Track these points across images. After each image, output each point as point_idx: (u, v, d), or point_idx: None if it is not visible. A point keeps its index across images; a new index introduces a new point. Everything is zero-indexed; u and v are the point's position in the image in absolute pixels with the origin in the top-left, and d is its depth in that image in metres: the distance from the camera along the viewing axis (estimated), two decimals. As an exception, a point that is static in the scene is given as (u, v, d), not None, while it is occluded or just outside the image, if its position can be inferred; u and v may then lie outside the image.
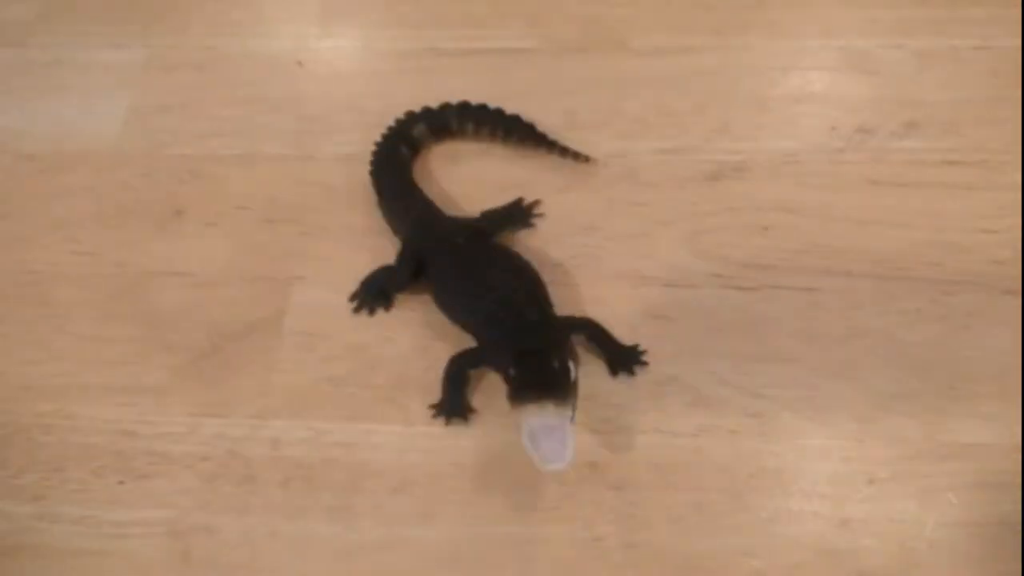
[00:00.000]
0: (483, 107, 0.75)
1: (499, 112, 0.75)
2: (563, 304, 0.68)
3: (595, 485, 0.62)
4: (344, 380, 0.67)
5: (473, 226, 0.70)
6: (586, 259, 0.71)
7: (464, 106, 0.76)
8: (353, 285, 0.70)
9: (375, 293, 0.70)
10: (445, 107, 0.76)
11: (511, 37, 0.83)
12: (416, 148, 0.76)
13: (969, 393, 0.63)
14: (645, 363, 0.65)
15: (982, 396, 0.63)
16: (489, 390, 0.66)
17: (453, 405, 0.64)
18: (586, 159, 0.74)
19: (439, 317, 0.68)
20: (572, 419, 0.55)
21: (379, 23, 0.86)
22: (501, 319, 0.62)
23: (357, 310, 0.69)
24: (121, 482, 0.64)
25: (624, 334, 0.67)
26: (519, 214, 0.72)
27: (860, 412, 0.63)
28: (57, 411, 0.67)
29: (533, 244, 0.72)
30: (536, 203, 0.73)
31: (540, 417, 0.53)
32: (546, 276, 0.69)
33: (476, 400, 0.65)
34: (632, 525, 0.60)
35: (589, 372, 0.65)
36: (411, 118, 0.76)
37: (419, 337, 0.68)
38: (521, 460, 0.63)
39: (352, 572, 0.61)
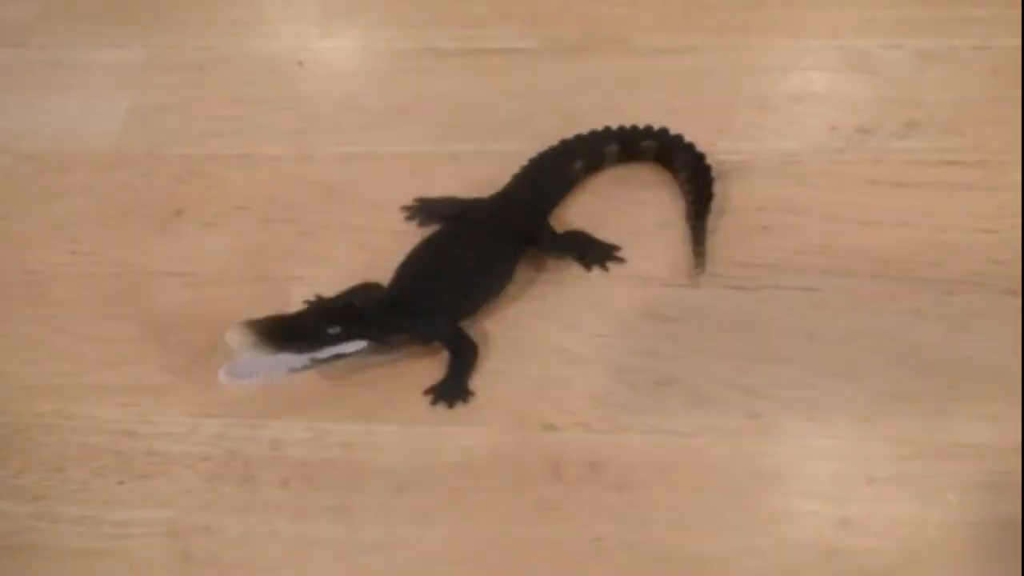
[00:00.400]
0: (702, 163, 0.72)
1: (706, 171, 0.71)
2: (561, 304, 0.68)
3: (595, 485, 0.62)
4: (344, 380, 0.67)
5: (531, 227, 0.70)
6: (586, 259, 0.71)
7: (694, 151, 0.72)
8: (352, 285, 0.70)
9: (425, 211, 0.73)
10: (679, 140, 0.73)
11: (511, 37, 0.83)
12: (632, 157, 0.75)
13: (969, 393, 0.63)
14: (450, 406, 0.65)
15: (982, 396, 0.63)
16: (492, 390, 0.66)
17: (331, 304, 0.66)
18: (699, 269, 0.68)
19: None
20: (284, 370, 0.60)
21: (379, 23, 0.87)
22: (400, 279, 0.66)
23: (404, 208, 0.73)
24: (121, 482, 0.64)
25: (624, 334, 0.67)
26: (595, 253, 0.70)
27: (860, 412, 0.63)
28: (57, 411, 0.67)
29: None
30: (619, 260, 0.70)
31: (235, 337, 0.57)
32: (547, 276, 0.70)
33: (479, 399, 0.65)
34: (632, 525, 0.60)
35: (589, 373, 0.66)
36: (642, 132, 0.74)
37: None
38: (521, 460, 0.63)
39: (352, 572, 0.61)
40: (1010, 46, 0.78)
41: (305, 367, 0.61)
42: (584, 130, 0.75)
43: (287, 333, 0.59)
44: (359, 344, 0.62)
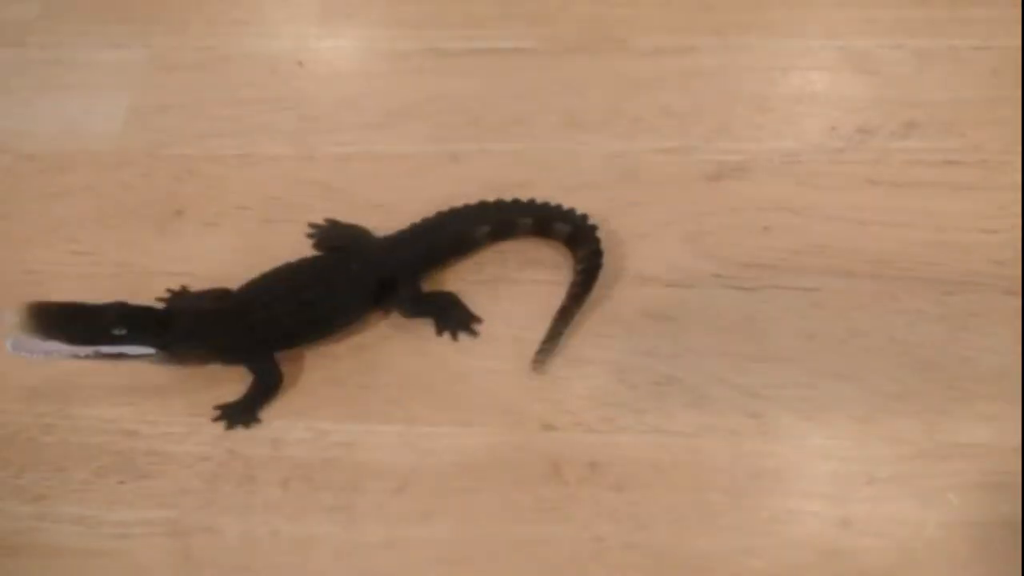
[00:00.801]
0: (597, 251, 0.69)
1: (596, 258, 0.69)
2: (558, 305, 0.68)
3: (595, 485, 0.62)
4: (344, 380, 0.67)
5: (399, 280, 0.68)
6: (586, 259, 0.71)
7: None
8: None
9: (326, 234, 0.73)
10: (592, 231, 0.69)
11: (511, 37, 0.83)
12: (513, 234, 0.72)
13: (969, 393, 0.63)
14: (228, 427, 0.65)
15: (982, 396, 0.63)
16: (492, 390, 0.66)
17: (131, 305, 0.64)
18: (537, 363, 0.66)
19: (439, 317, 0.69)
20: (67, 355, 0.60)
21: (379, 23, 0.87)
22: (236, 296, 0.67)
23: (312, 225, 0.73)
24: (122, 482, 0.64)
25: (623, 334, 0.67)
26: (452, 321, 0.68)
27: (860, 412, 0.63)
28: (58, 411, 0.67)
29: (532, 244, 0.72)
30: (473, 333, 0.68)
31: (8, 316, 0.58)
32: (546, 276, 0.70)
33: (480, 398, 0.66)
34: (632, 525, 0.60)
35: (589, 375, 0.66)
36: (559, 214, 0.70)
37: (419, 337, 0.68)
38: (521, 460, 0.63)
39: (352, 572, 0.61)
40: (1010, 46, 0.78)
41: (89, 356, 0.60)
42: (581, 129, 0.75)
43: (63, 324, 0.59)
44: (146, 349, 0.62)
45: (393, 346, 0.68)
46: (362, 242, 0.71)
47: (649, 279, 0.69)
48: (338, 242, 0.72)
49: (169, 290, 0.70)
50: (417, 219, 0.72)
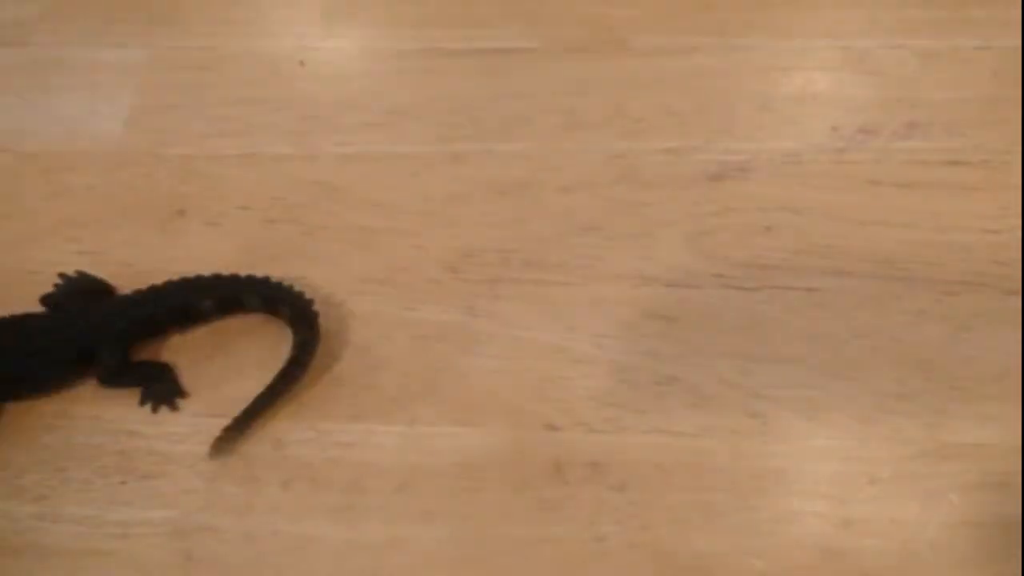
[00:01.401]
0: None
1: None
2: (562, 303, 0.68)
3: (597, 485, 0.62)
4: (346, 380, 0.67)
5: (104, 347, 0.66)
6: (586, 259, 0.71)
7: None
8: (354, 285, 0.70)
9: (64, 289, 0.72)
10: (312, 320, 0.67)
11: (511, 37, 0.83)
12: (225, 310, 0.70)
13: (971, 394, 0.63)
14: None
15: (984, 397, 0.63)
16: (493, 390, 0.66)
17: None
18: (217, 447, 0.64)
19: (441, 318, 0.69)
20: None
21: (380, 23, 0.87)
22: None
23: (61, 275, 0.72)
24: (123, 482, 0.64)
25: (624, 334, 0.67)
26: (154, 394, 0.67)
27: (862, 412, 0.63)
28: (59, 411, 0.67)
29: (533, 244, 0.72)
30: (174, 408, 0.66)
31: None
32: (545, 276, 0.70)
33: (482, 398, 0.66)
34: (634, 525, 0.60)
35: (590, 375, 0.66)
36: (283, 297, 0.68)
37: (421, 337, 0.68)
38: (523, 460, 0.63)
39: (354, 572, 0.61)
40: (1012, 46, 0.78)
41: None
42: (582, 130, 0.74)
43: None
44: None
45: (395, 346, 0.68)
46: (80, 305, 0.70)
47: (649, 279, 0.69)
48: (68, 300, 0.70)
49: None
50: (416, 218, 0.72)
